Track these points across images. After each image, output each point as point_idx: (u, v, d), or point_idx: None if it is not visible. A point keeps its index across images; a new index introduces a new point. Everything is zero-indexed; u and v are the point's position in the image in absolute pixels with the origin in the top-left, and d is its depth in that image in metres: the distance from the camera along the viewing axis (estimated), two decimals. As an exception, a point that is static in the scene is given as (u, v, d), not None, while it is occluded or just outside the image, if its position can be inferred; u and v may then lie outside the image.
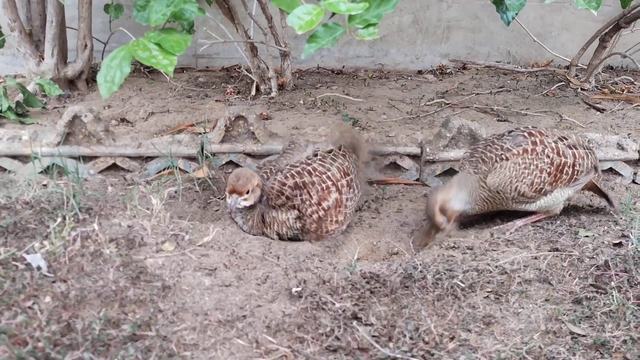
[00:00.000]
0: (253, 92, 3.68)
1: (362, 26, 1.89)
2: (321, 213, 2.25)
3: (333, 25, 1.94)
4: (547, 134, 2.29)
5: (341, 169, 2.32)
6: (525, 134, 2.28)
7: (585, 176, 2.33)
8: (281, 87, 3.76)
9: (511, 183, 2.21)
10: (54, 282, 1.78)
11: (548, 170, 2.22)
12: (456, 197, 2.24)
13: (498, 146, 2.27)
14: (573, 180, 2.29)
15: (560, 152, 2.25)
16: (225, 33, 3.70)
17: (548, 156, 2.23)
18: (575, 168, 2.27)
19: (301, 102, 3.58)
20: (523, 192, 2.22)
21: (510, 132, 2.33)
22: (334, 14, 1.93)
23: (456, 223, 2.28)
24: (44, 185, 2.46)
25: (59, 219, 2.07)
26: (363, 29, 1.89)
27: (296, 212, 2.25)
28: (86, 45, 3.54)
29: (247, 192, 2.20)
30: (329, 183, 2.27)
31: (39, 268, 1.82)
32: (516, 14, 2.59)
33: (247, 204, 2.22)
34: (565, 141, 2.29)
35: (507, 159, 2.22)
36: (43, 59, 3.48)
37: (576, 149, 2.29)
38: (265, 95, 3.65)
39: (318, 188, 2.25)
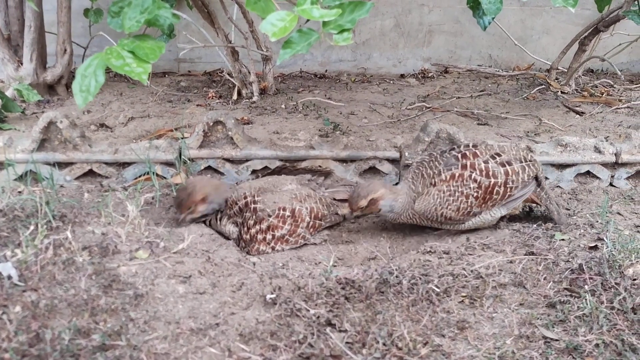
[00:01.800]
0: (235, 97, 3.67)
1: (337, 32, 1.89)
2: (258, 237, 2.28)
3: (308, 30, 1.94)
4: (481, 153, 2.26)
5: (312, 210, 2.34)
6: (459, 155, 2.25)
7: (522, 190, 2.30)
8: (263, 91, 3.76)
9: (436, 210, 2.24)
10: (24, 291, 1.76)
11: (475, 194, 2.22)
12: (391, 202, 2.27)
13: (438, 164, 2.27)
14: (507, 197, 2.27)
15: (490, 173, 2.22)
16: (206, 37, 3.69)
17: (475, 180, 2.21)
18: (508, 186, 2.25)
19: (283, 106, 3.57)
20: (449, 216, 2.25)
21: (451, 149, 2.32)
22: (308, 19, 1.93)
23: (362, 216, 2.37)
24: (19, 192, 2.44)
25: (32, 227, 2.04)
26: (337, 35, 1.90)
27: (237, 228, 2.32)
28: (66, 50, 3.52)
29: (191, 207, 2.29)
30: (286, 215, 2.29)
31: (9, 277, 1.79)
32: (493, 18, 2.62)
33: (195, 216, 2.32)
34: (498, 158, 2.26)
35: (434, 185, 2.24)
36: (22, 64, 3.45)
37: (509, 165, 2.26)
38: (247, 100, 3.64)
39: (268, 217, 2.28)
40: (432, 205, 2.24)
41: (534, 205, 2.47)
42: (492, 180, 2.23)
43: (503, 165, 2.25)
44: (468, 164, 2.23)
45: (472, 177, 2.22)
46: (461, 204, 2.23)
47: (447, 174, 2.23)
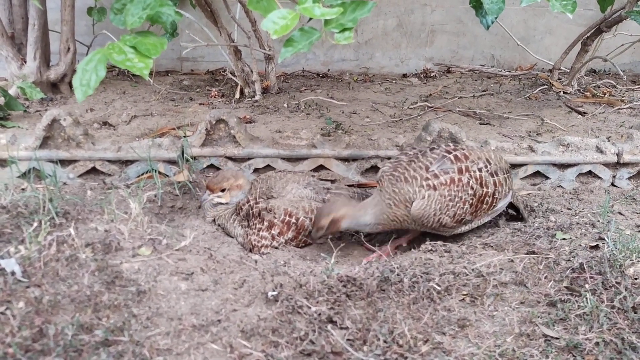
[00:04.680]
0: (237, 96, 3.68)
1: (338, 30, 1.90)
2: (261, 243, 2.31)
3: (309, 29, 1.95)
4: (472, 157, 2.22)
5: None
6: (452, 157, 2.20)
7: (503, 201, 2.30)
8: (265, 90, 3.76)
9: (435, 215, 2.17)
10: (27, 287, 1.77)
11: (470, 201, 2.19)
12: (357, 220, 2.22)
13: (422, 165, 2.19)
14: (491, 208, 2.27)
15: (483, 182, 2.20)
16: (209, 36, 3.70)
17: (472, 187, 2.18)
18: (495, 197, 2.24)
19: (285, 105, 3.58)
20: (445, 223, 2.19)
21: (432, 149, 2.26)
22: (310, 18, 1.94)
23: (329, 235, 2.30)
24: (22, 189, 2.45)
25: (35, 224, 2.05)
26: (339, 33, 1.90)
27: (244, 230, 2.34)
28: (69, 49, 3.53)
29: (222, 190, 2.34)
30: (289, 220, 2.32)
31: (13, 273, 1.81)
32: (495, 18, 2.62)
33: (222, 201, 2.37)
34: (488, 167, 2.23)
35: (434, 189, 2.15)
36: (25, 62, 3.46)
37: (497, 175, 2.25)
38: (250, 99, 3.65)
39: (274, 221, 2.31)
40: (432, 210, 2.16)
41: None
42: (484, 190, 2.21)
43: (492, 175, 2.24)
44: (464, 167, 2.19)
45: (470, 184, 2.18)
46: (458, 210, 2.18)
47: (446, 178, 2.16)
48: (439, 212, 2.17)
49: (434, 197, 2.16)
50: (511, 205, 2.44)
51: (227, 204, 2.38)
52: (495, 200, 2.25)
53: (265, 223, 2.27)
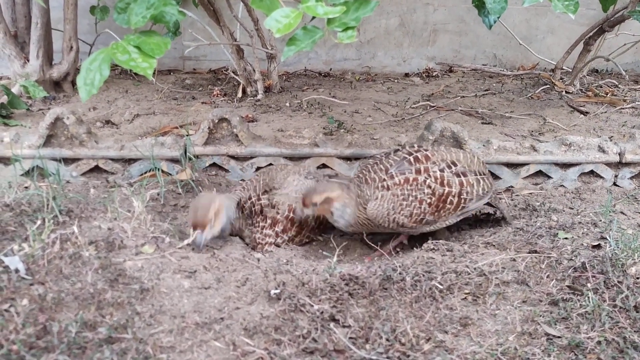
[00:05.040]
0: (239, 95, 3.69)
1: (341, 29, 1.91)
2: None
3: (312, 28, 1.95)
4: (435, 159, 2.21)
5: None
6: (411, 159, 2.19)
7: (476, 203, 2.26)
8: (267, 89, 3.77)
9: (388, 215, 2.15)
10: (31, 284, 1.77)
11: (429, 201, 2.15)
12: (344, 207, 2.18)
13: (383, 167, 2.20)
14: (460, 208, 2.23)
15: (445, 182, 2.17)
16: (211, 35, 3.71)
17: (429, 186, 2.15)
18: (462, 197, 2.20)
19: (287, 104, 3.58)
20: (402, 223, 2.17)
21: (396, 151, 2.26)
22: (314, 17, 1.94)
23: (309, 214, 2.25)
24: (26, 187, 2.46)
25: (39, 222, 2.06)
26: (342, 32, 1.91)
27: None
28: (72, 47, 3.54)
29: (210, 221, 2.11)
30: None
31: (16, 271, 1.81)
32: (498, 17, 2.61)
33: (216, 232, 2.15)
34: (453, 168, 2.21)
35: (387, 189, 2.15)
36: (28, 60, 3.47)
37: (465, 176, 2.22)
38: (252, 98, 3.66)
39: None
40: (385, 210, 2.14)
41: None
42: (447, 189, 2.17)
43: (458, 175, 2.20)
44: (422, 168, 2.16)
45: (427, 183, 2.15)
46: (414, 209, 2.15)
47: (400, 178, 2.15)
48: (392, 212, 2.15)
49: (386, 196, 2.15)
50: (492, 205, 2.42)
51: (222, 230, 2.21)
52: (462, 200, 2.21)
53: (269, 220, 2.27)
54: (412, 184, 2.14)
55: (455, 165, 2.22)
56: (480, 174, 2.28)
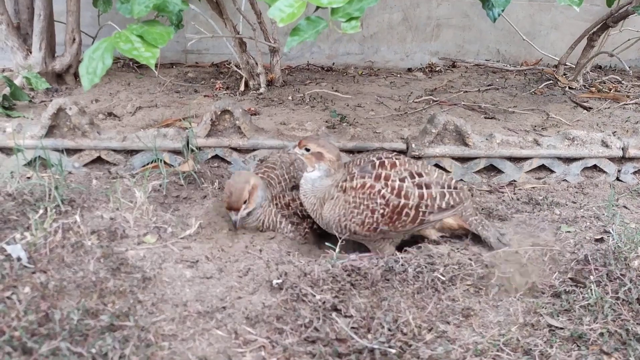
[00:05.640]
0: (242, 88, 3.68)
1: (345, 20, 1.90)
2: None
3: (316, 18, 1.95)
4: (400, 167, 2.09)
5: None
6: (377, 162, 2.09)
7: (437, 215, 2.11)
8: (270, 83, 3.76)
9: (339, 221, 2.07)
10: (33, 272, 1.78)
11: (382, 211, 2.03)
12: (323, 172, 2.11)
13: (357, 162, 2.14)
14: (417, 221, 2.08)
15: (402, 193, 2.04)
16: (214, 28, 3.70)
17: (384, 197, 2.03)
18: (420, 209, 2.06)
19: (290, 98, 3.58)
20: (354, 230, 2.07)
21: (373, 151, 2.18)
22: (317, 7, 1.94)
23: None
24: (28, 177, 2.46)
25: (41, 211, 2.06)
26: (345, 23, 1.90)
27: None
28: (74, 39, 3.53)
29: (245, 202, 2.13)
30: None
31: (19, 259, 1.81)
32: (502, 10, 2.60)
33: (251, 209, 2.16)
34: (416, 178, 2.08)
35: (344, 191, 2.06)
36: (31, 52, 3.47)
37: (428, 188, 2.08)
38: (254, 91, 3.65)
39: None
40: (337, 215, 2.06)
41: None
42: (403, 201, 2.04)
43: (420, 187, 2.08)
44: (383, 175, 2.06)
45: (382, 193, 2.04)
46: (366, 218, 2.04)
47: (357, 182, 2.06)
48: (344, 219, 2.06)
49: (340, 200, 2.07)
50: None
51: (254, 209, 2.20)
52: (421, 213, 2.07)
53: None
54: (367, 191, 2.04)
55: (419, 176, 2.10)
56: (450, 187, 2.15)
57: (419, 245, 2.13)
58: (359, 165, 2.14)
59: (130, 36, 1.96)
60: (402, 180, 2.07)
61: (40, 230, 1.95)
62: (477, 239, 2.14)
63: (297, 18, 1.81)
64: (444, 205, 2.11)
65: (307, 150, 2.12)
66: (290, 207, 2.32)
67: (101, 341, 1.53)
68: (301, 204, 2.22)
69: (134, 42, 1.95)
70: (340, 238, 2.08)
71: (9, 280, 1.72)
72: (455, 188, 2.16)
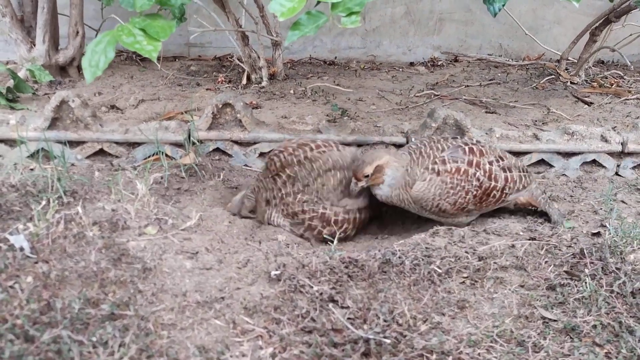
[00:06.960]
0: (244, 82, 3.70)
1: (345, 14, 1.91)
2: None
3: (316, 13, 1.96)
4: (487, 152, 2.24)
5: None
6: (466, 149, 2.22)
7: (514, 194, 2.30)
8: (272, 76, 3.78)
9: (433, 199, 2.18)
10: (36, 262, 1.81)
11: (474, 192, 2.19)
12: (395, 172, 2.17)
13: (439, 147, 2.22)
14: (500, 202, 2.28)
15: (492, 176, 2.21)
16: (216, 22, 3.72)
17: (478, 179, 2.19)
18: (505, 192, 2.25)
19: (291, 91, 3.60)
20: (444, 209, 2.21)
21: (454, 138, 2.30)
22: (318, 2, 1.95)
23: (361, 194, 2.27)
24: (31, 169, 2.49)
25: (44, 202, 2.09)
26: (346, 17, 1.91)
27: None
28: (78, 32, 3.56)
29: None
30: None
31: (21, 249, 1.84)
32: (503, 5, 2.61)
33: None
34: (500, 162, 2.25)
35: (438, 174, 2.18)
36: (34, 45, 3.49)
37: (510, 171, 2.26)
38: (256, 85, 3.67)
39: None
40: (432, 195, 2.18)
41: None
42: (493, 183, 2.21)
43: (504, 170, 2.25)
44: (475, 161, 2.20)
45: (477, 175, 2.19)
46: (459, 199, 2.19)
47: (452, 166, 2.18)
48: (438, 198, 2.18)
49: (435, 181, 2.17)
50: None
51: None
52: (504, 195, 2.26)
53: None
54: (463, 175, 2.18)
55: (502, 160, 2.26)
56: (523, 170, 2.33)
57: (416, 239, 2.16)
58: (439, 149, 2.22)
59: (133, 29, 1.97)
60: (490, 163, 2.23)
61: (43, 221, 1.98)
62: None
63: (297, 12, 1.83)
64: (520, 187, 2.29)
65: (367, 176, 2.18)
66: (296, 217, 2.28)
67: (102, 330, 1.55)
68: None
69: (137, 35, 1.97)
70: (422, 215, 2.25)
71: (11, 269, 1.75)
72: (526, 171, 2.35)
